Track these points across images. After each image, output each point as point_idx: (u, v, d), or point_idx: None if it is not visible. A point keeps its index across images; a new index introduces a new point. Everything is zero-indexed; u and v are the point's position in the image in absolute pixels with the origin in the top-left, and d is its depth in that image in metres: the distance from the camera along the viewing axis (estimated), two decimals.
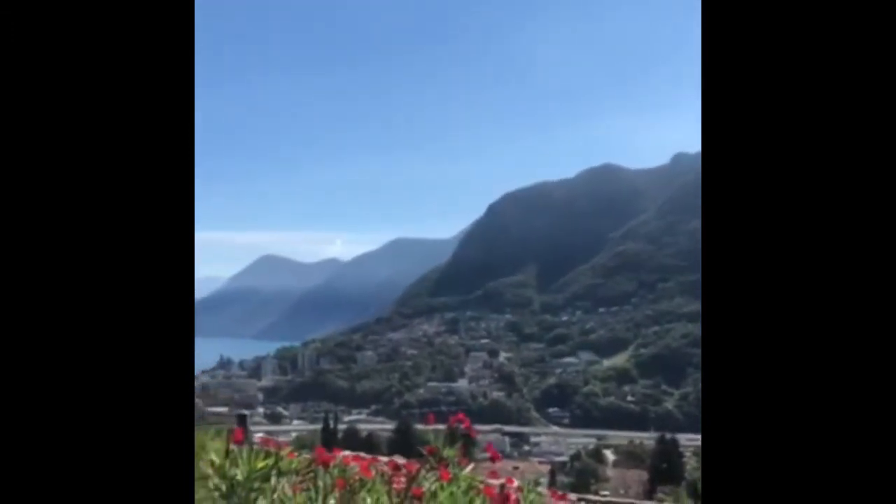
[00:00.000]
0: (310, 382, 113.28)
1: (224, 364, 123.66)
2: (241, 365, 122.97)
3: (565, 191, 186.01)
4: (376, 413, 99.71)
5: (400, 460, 2.18)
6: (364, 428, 63.36)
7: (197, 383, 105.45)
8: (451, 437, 2.02)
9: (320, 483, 1.78)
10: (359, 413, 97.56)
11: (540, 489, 2.13)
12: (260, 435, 2.67)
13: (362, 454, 2.50)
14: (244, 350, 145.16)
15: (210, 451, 1.80)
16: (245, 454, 1.70)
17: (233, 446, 1.78)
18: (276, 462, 1.74)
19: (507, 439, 74.89)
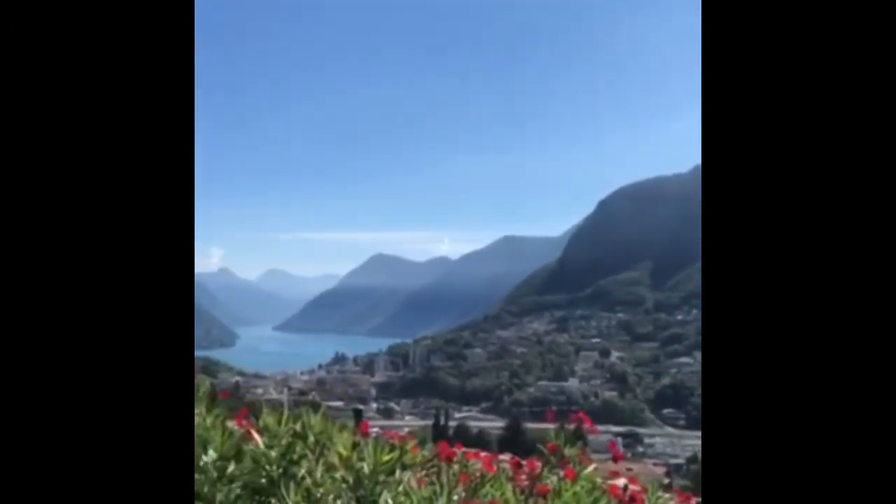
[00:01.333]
0: (421, 379, 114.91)
1: (339, 359, 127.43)
2: (355, 360, 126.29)
3: (679, 185, 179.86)
4: (486, 411, 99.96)
5: (510, 457, 2.18)
6: (474, 425, 63.69)
7: (313, 378, 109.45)
8: (571, 436, 2.00)
9: (444, 478, 1.81)
10: (469, 410, 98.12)
11: (659, 492, 2.08)
12: (375, 430, 2.72)
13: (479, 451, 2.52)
14: (358, 346, 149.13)
15: (338, 444, 1.86)
16: (371, 447, 1.75)
17: (358, 439, 1.83)
18: (400, 456, 1.77)
19: (619, 440, 73.33)
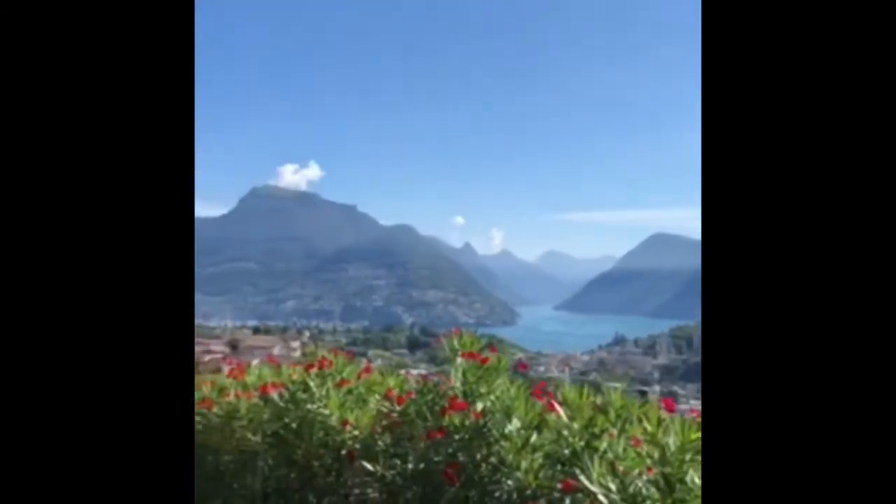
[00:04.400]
0: None
1: (619, 341, 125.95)
2: (636, 342, 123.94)
3: None
4: None
5: None
6: None
7: (594, 358, 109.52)
8: None
9: None
10: None
11: None
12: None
13: None
14: (638, 328, 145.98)
15: (642, 419, 1.86)
16: (678, 424, 1.73)
17: (664, 415, 1.81)
18: None
19: None
